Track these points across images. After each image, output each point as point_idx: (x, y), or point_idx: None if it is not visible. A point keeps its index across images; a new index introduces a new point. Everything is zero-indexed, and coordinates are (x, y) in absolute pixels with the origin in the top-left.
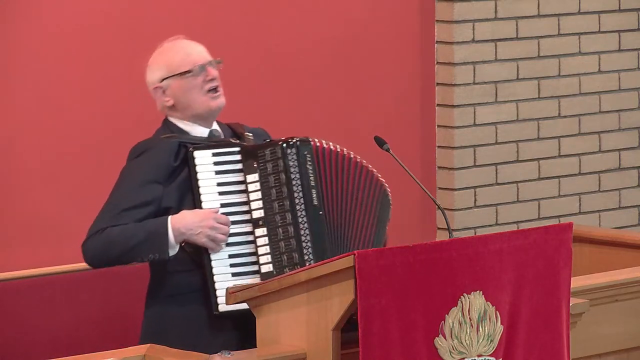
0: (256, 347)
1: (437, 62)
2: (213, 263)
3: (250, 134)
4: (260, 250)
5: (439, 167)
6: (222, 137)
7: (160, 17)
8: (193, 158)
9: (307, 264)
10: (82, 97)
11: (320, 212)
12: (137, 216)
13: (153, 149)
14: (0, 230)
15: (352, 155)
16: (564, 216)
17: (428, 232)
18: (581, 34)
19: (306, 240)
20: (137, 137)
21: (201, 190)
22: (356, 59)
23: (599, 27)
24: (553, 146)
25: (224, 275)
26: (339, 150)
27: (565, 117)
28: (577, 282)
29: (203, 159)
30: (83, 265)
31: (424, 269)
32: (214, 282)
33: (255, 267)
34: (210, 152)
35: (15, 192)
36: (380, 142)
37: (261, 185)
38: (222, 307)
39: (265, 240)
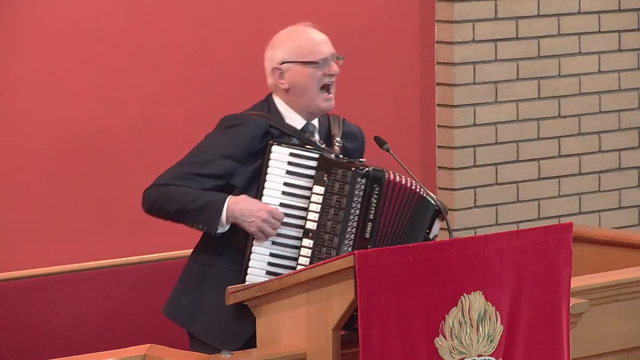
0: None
1: (437, 62)
2: (252, 256)
3: (339, 141)
4: (301, 260)
5: (439, 167)
6: (316, 134)
7: (161, 17)
8: (270, 151)
9: None
10: (83, 96)
11: (369, 246)
12: (204, 185)
13: (242, 125)
14: (1, 230)
15: (422, 193)
16: (564, 216)
17: None
18: (581, 34)
19: None
20: (138, 135)
21: (266, 184)
22: (356, 59)
23: (599, 27)
24: (553, 146)
25: (259, 270)
26: (408, 185)
27: (565, 117)
28: (577, 282)
29: (279, 155)
30: (83, 265)
31: (424, 269)
32: (246, 274)
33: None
34: (288, 150)
35: (16, 192)
36: (380, 142)
37: (323, 199)
38: None
39: (309, 252)
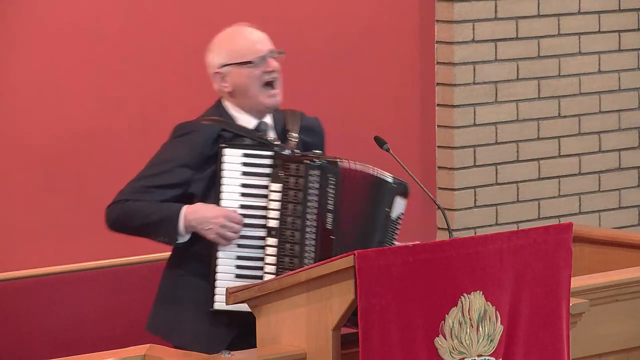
0: (254, 345)
1: (437, 62)
2: (219, 261)
3: (295, 136)
4: (267, 259)
5: (439, 167)
6: (270, 130)
7: (161, 17)
8: (222, 155)
9: None
10: (83, 96)
11: (332, 237)
12: (162, 197)
13: (193, 132)
14: (1, 230)
15: (377, 175)
16: (564, 216)
17: (428, 232)
18: (581, 34)
19: (309, 263)
20: (138, 135)
21: (223, 188)
22: (356, 59)
23: (599, 27)
24: (553, 146)
25: (228, 274)
26: (364, 170)
27: (565, 117)
28: (577, 282)
29: (232, 158)
30: (83, 265)
31: (424, 269)
32: (215, 279)
33: (259, 272)
34: (241, 151)
35: (16, 192)
36: (380, 142)
37: (282, 197)
38: (218, 305)
39: (274, 250)
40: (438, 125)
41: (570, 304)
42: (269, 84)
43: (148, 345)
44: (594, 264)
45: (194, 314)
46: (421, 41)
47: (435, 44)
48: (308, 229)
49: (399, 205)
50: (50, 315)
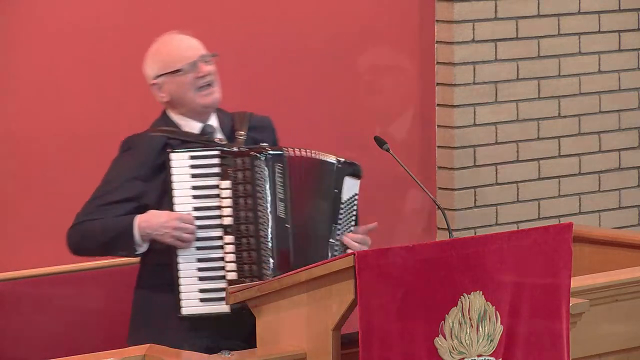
0: (236, 346)
1: (437, 62)
2: (180, 266)
3: (243, 134)
4: (227, 257)
5: (439, 167)
6: (217, 132)
7: (161, 17)
8: (169, 160)
9: (265, 278)
10: (83, 96)
11: (287, 225)
12: (117, 212)
13: (140, 145)
14: (1, 230)
15: (322, 158)
16: (564, 216)
17: (428, 232)
18: (581, 34)
19: (266, 255)
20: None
21: (175, 193)
22: (356, 59)
23: (599, 27)
24: (553, 146)
25: (190, 278)
26: (310, 156)
27: (565, 117)
28: (577, 282)
29: (179, 162)
30: (83, 265)
31: (424, 269)
32: (179, 285)
33: (222, 272)
34: (188, 154)
35: (16, 192)
36: (380, 142)
37: (232, 193)
38: (185, 310)
39: (232, 248)
40: (438, 125)
41: (570, 304)
42: (205, 87)
43: (148, 345)
44: (594, 264)
45: (167, 328)
46: (421, 41)
47: (435, 44)
48: (261, 221)
49: (350, 186)
50: (50, 315)
